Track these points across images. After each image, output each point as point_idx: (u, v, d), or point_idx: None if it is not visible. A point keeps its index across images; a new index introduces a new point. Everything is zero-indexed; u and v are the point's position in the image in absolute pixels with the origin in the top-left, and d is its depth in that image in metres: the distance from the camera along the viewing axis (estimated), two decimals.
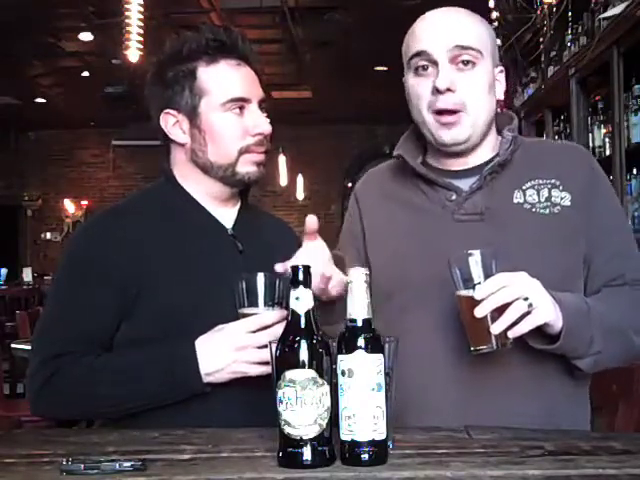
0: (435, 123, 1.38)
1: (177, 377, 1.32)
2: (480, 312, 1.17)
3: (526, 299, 1.17)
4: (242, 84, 1.46)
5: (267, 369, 1.27)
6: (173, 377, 1.32)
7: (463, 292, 1.21)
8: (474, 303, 1.18)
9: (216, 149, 1.46)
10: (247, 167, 1.46)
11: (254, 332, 1.30)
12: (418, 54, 1.37)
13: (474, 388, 1.33)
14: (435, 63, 1.35)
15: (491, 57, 1.40)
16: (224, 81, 1.45)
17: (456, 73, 1.35)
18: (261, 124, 1.46)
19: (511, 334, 1.18)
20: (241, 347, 1.30)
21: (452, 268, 1.22)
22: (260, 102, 1.48)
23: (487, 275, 1.19)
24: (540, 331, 1.23)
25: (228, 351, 1.31)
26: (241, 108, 1.45)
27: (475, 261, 1.20)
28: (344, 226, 1.61)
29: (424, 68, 1.37)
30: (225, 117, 1.45)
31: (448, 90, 1.34)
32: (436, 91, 1.35)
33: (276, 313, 1.30)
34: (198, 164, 1.49)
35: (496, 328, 1.17)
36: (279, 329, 1.27)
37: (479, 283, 1.19)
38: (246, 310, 1.32)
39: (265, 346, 1.28)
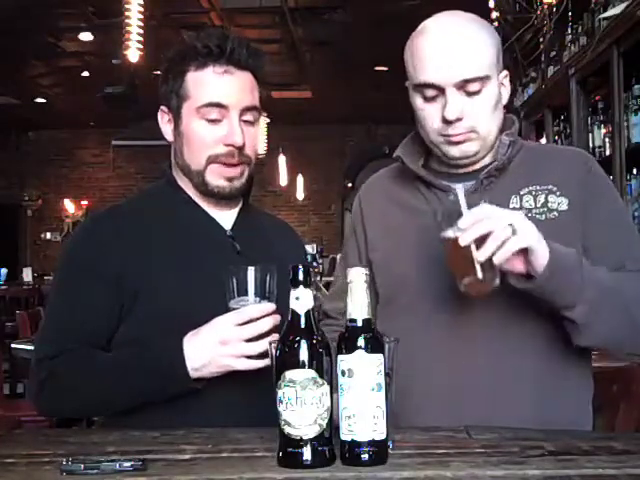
0: (444, 142, 1.39)
1: (163, 371, 1.31)
2: (464, 239, 1.16)
3: (510, 225, 1.17)
4: (222, 92, 1.44)
5: (255, 363, 1.26)
6: (159, 371, 1.32)
7: (450, 233, 1.19)
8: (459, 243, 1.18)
9: (189, 153, 1.46)
10: (217, 180, 1.45)
11: (241, 325, 1.28)
12: (426, 85, 1.36)
13: (466, 394, 1.33)
14: (443, 91, 1.35)
15: (497, 71, 1.38)
16: (203, 87, 1.44)
17: (464, 98, 1.35)
18: (233, 135, 1.43)
19: (496, 259, 1.17)
20: (226, 340, 1.28)
21: (437, 214, 1.22)
22: (245, 110, 1.45)
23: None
24: (526, 278, 1.22)
25: (213, 344, 1.29)
26: (219, 117, 1.43)
27: (461, 196, 1.20)
28: (348, 229, 1.62)
29: (433, 95, 1.36)
30: (199, 123, 1.44)
31: (457, 120, 1.35)
32: (446, 120, 1.35)
33: (262, 306, 1.28)
34: (179, 166, 1.50)
35: (481, 254, 1.16)
36: (266, 323, 1.27)
37: None
38: (234, 303, 1.30)
39: (252, 339, 1.27)
